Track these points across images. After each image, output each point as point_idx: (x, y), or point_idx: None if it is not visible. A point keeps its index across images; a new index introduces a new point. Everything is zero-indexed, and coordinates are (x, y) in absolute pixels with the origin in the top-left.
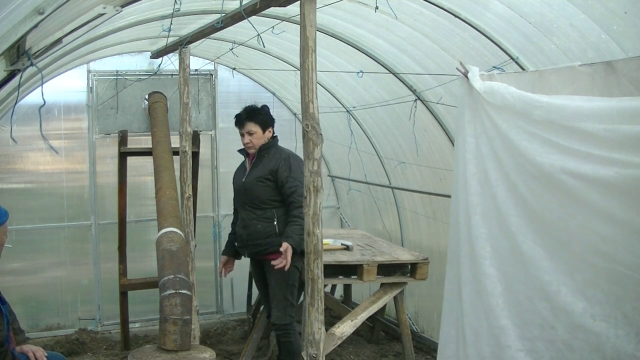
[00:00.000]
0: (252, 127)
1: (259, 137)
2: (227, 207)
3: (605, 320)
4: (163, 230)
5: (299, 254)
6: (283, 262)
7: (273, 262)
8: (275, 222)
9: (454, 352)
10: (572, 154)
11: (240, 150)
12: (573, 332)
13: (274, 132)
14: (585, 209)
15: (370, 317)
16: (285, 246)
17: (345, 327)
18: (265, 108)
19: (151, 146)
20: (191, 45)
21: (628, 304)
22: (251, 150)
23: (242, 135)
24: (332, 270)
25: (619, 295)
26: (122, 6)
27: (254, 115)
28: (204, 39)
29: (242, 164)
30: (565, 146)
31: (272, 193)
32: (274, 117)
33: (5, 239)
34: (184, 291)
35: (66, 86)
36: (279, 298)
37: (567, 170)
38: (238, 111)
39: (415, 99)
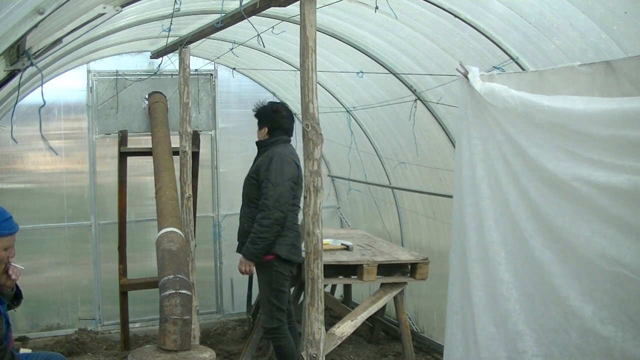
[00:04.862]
0: (257, 121)
1: (257, 132)
2: (227, 207)
3: (612, 324)
4: (163, 231)
5: (279, 260)
6: (242, 267)
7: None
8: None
9: (462, 355)
10: (583, 160)
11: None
12: (584, 337)
13: (271, 133)
14: (597, 214)
15: (370, 317)
16: (239, 263)
17: (345, 327)
18: (266, 107)
19: (151, 146)
20: (191, 45)
21: (632, 307)
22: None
23: None
24: (332, 270)
25: (623, 298)
26: (122, 6)
27: (255, 111)
28: (204, 39)
29: None
30: (575, 153)
31: (257, 192)
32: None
33: (6, 255)
34: (184, 291)
35: (66, 86)
36: (265, 302)
37: (579, 177)
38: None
39: (415, 99)
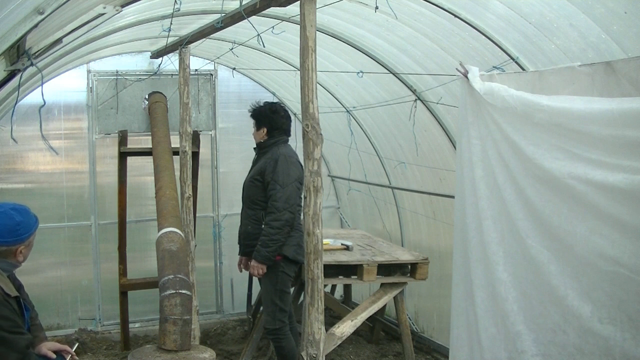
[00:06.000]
0: (253, 122)
1: (255, 133)
2: (227, 207)
3: (611, 324)
4: (163, 231)
5: (285, 260)
6: (254, 271)
7: (251, 270)
8: (263, 225)
9: (467, 356)
10: (580, 159)
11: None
12: (583, 336)
13: (271, 134)
14: (593, 213)
15: (370, 317)
16: (251, 267)
17: (345, 327)
18: (264, 107)
19: (151, 146)
20: (191, 45)
21: (631, 306)
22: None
23: None
24: (332, 270)
25: (622, 298)
26: (122, 6)
27: (252, 111)
28: (204, 39)
29: None
30: (572, 152)
31: (261, 194)
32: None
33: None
34: (184, 291)
35: (66, 86)
36: (268, 302)
37: (575, 176)
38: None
39: (415, 99)
